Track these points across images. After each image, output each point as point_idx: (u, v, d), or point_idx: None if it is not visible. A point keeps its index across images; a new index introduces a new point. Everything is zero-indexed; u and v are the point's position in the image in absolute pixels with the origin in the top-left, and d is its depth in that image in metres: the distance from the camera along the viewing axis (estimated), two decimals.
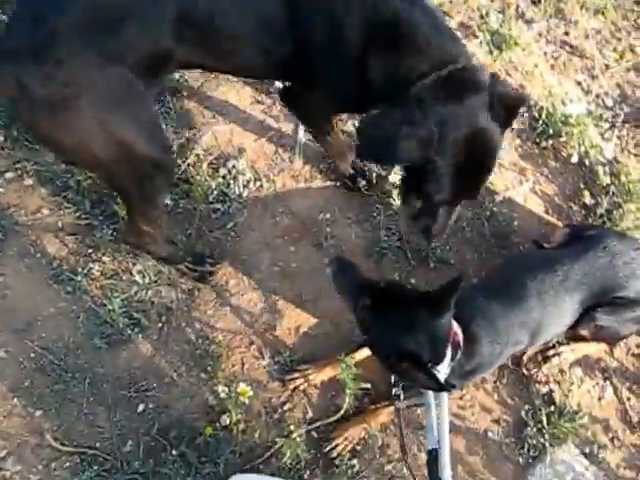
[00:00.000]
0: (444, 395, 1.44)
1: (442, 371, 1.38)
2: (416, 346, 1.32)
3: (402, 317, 1.35)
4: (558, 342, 1.81)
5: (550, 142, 2.07)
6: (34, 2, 1.28)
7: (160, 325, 1.76)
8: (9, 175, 1.92)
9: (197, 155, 1.93)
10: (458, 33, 2.15)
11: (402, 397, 1.51)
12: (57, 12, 1.23)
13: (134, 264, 1.80)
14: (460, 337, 1.42)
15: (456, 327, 1.42)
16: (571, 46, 2.31)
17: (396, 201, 1.83)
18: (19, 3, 1.32)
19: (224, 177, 1.91)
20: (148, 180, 1.46)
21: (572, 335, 1.78)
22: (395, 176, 1.82)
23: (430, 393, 1.47)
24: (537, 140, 2.09)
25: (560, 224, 1.95)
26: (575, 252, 1.68)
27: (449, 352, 1.38)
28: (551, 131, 2.07)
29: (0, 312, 1.75)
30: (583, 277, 1.63)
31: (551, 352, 1.82)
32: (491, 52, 2.23)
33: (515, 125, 2.08)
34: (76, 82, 1.24)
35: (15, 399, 1.67)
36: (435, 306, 1.33)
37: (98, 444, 1.65)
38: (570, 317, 1.67)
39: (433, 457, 1.40)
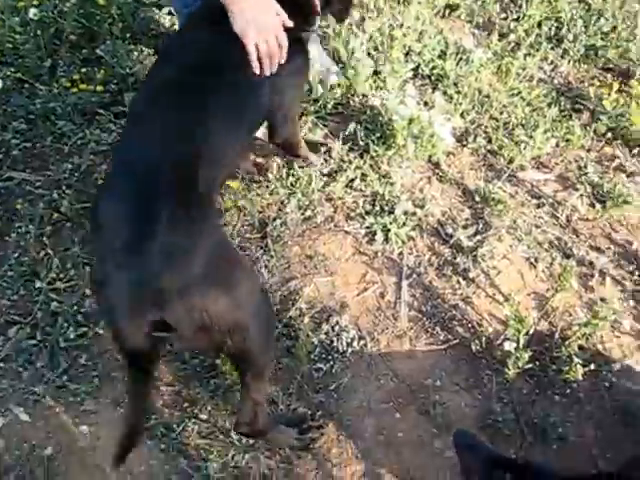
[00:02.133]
0: None
1: None
2: None
3: None
4: None
5: None
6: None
7: None
8: None
9: (299, 309, 1.95)
10: (557, 185, 2.18)
11: None
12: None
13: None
14: None
15: None
16: None
17: (511, 370, 1.74)
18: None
19: (327, 334, 1.91)
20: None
21: None
22: (510, 344, 1.73)
23: None
24: None
25: None
26: None
27: None
28: None
29: (89, 466, 1.71)
30: None
31: None
32: (593, 205, 2.25)
33: (628, 285, 2.06)
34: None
35: None
36: None
37: None
38: None
39: None
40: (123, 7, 2.87)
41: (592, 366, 1.81)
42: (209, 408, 1.78)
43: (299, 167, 2.21)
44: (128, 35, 2.77)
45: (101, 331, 1.93)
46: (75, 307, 1.94)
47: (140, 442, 1.57)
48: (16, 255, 2.07)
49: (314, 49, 2.44)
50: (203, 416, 1.77)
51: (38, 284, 1.98)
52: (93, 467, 1.71)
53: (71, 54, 2.73)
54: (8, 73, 2.62)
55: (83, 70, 2.60)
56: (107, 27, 2.81)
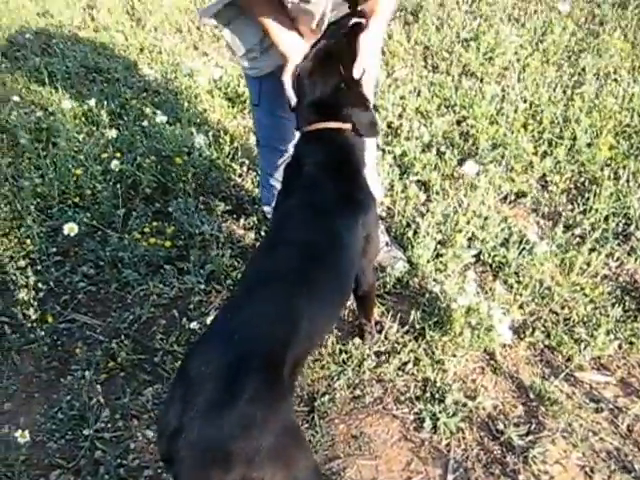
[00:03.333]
0: None
1: None
2: None
3: None
4: None
5: None
6: None
7: None
8: (148, 472, 2.25)
9: None
10: (618, 390, 2.41)
11: None
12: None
13: None
14: None
15: None
16: None
17: None
18: None
19: None
20: None
21: None
22: None
23: None
24: None
25: None
26: None
27: None
28: None
29: None
30: None
31: None
32: None
33: None
34: None
35: None
36: None
37: None
38: None
39: None
40: (198, 167, 3.49)
41: None
42: None
43: (352, 344, 2.55)
44: (199, 194, 3.35)
45: None
46: (118, 459, 2.26)
47: None
48: (68, 398, 2.44)
49: (385, 236, 2.97)
50: None
51: (86, 431, 2.32)
52: None
53: (144, 206, 3.33)
54: (84, 219, 3.19)
55: (154, 223, 3.15)
56: (181, 185, 3.41)
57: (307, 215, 2.08)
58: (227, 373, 1.65)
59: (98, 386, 2.46)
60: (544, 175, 3.46)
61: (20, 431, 2.22)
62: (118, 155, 3.51)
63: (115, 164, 3.36)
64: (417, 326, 2.63)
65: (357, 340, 2.56)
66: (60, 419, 2.39)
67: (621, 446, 2.34)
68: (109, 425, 2.37)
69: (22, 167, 3.55)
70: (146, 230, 3.10)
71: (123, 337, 2.64)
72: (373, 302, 2.56)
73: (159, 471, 2.28)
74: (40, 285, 2.81)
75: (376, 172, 2.96)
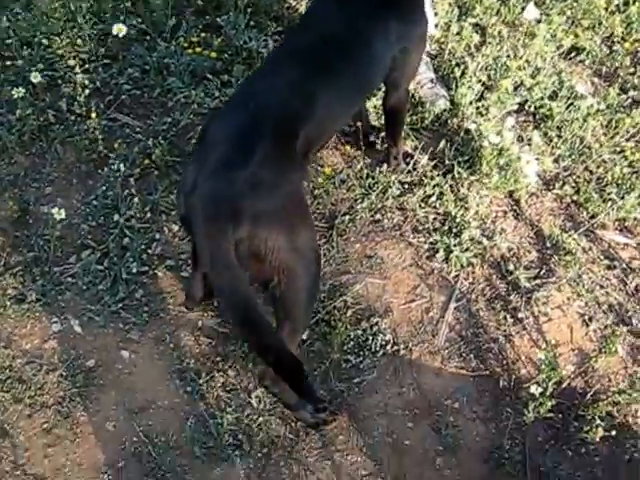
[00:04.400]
0: None
1: None
2: None
3: None
4: None
5: None
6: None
7: (260, 455, 2.06)
8: (170, 263, 2.41)
9: (345, 301, 2.32)
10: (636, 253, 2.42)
11: None
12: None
13: (255, 387, 2.15)
14: None
15: None
16: None
17: (530, 414, 2.03)
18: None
19: (364, 331, 2.27)
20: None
21: None
22: (537, 388, 2.00)
23: None
24: None
25: None
26: None
27: None
28: None
29: (122, 387, 2.16)
30: None
31: None
32: None
33: None
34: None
35: (106, 475, 2.01)
36: None
37: None
38: None
39: None
40: None
41: (613, 432, 2.03)
42: (238, 367, 2.18)
43: (379, 172, 2.57)
44: (251, 11, 3.27)
45: (160, 274, 2.39)
46: (143, 246, 2.41)
47: None
48: (104, 188, 2.56)
49: (431, 71, 2.89)
50: (231, 372, 2.18)
51: (116, 217, 2.46)
52: (124, 389, 2.15)
53: (195, 18, 3.23)
54: (134, 23, 3.17)
55: (203, 35, 3.09)
56: (234, 0, 3.33)
57: (339, 7, 2.08)
58: (240, 136, 1.74)
59: (132, 180, 2.57)
60: (611, 35, 3.23)
61: (57, 209, 2.37)
62: None
63: None
64: (447, 162, 2.64)
65: (385, 168, 2.57)
66: (94, 205, 2.53)
67: (624, 302, 2.40)
68: (139, 216, 2.49)
69: None
70: (194, 40, 3.06)
71: (160, 139, 2.70)
72: (401, 123, 2.55)
73: (180, 262, 2.43)
74: (87, 83, 2.85)
75: (432, 8, 2.84)
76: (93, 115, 2.70)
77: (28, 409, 2.10)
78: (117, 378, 2.18)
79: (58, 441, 2.06)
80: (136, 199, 2.49)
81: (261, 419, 2.10)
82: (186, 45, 3.03)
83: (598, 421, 2.06)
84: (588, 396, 2.18)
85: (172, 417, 2.11)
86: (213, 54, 2.99)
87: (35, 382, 2.13)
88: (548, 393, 2.06)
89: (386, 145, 2.60)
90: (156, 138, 2.71)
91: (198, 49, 3.00)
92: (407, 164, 2.62)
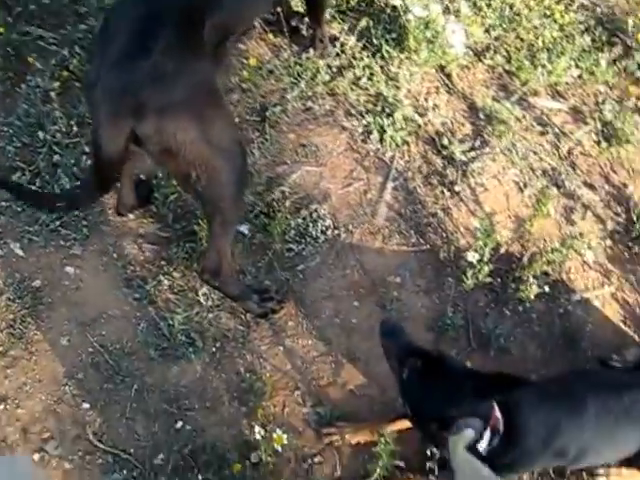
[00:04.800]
0: None
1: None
2: (459, 417, 1.60)
3: (450, 386, 1.66)
4: None
5: None
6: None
7: (213, 350, 2.13)
8: None
9: (283, 192, 2.33)
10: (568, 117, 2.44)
11: (436, 472, 1.73)
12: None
13: (201, 285, 2.18)
14: (501, 425, 1.66)
15: (498, 413, 1.66)
16: None
17: (469, 280, 2.11)
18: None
19: (304, 219, 2.29)
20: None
21: (628, 466, 1.94)
22: (473, 255, 2.06)
23: None
24: (629, 244, 2.36)
25: (637, 338, 2.14)
26: None
27: (487, 434, 1.63)
28: None
29: (71, 303, 2.17)
30: None
31: (600, 470, 1.99)
32: (598, 143, 2.54)
33: (609, 224, 2.37)
34: None
35: (67, 387, 2.06)
36: (483, 386, 1.64)
37: (132, 450, 2.00)
38: (627, 449, 1.84)
39: None
40: None
41: (547, 289, 2.15)
42: (182, 268, 2.20)
43: (307, 58, 2.51)
44: None
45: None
46: (74, 161, 2.35)
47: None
48: (25, 106, 2.46)
49: None
50: (176, 274, 2.20)
51: (42, 135, 2.38)
52: (73, 304, 2.16)
53: None
54: None
55: None
56: None
57: None
58: (141, 26, 1.67)
59: (53, 95, 2.46)
60: None
61: None
62: None
63: None
64: (375, 42, 2.58)
65: (312, 53, 2.51)
66: (17, 125, 2.43)
67: (557, 166, 2.45)
68: (65, 131, 2.40)
69: None
70: None
71: (77, 48, 2.58)
72: (323, 5, 2.46)
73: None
74: None
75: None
76: (1, 30, 2.57)
77: None
78: (65, 294, 2.19)
79: (15, 362, 2.08)
80: (59, 113, 2.39)
81: (211, 315, 2.15)
82: None
83: (532, 280, 2.15)
84: (524, 259, 2.26)
85: (124, 324, 2.15)
86: None
87: None
88: (485, 259, 2.14)
89: (311, 30, 2.53)
90: (72, 48, 2.59)
91: None
92: (334, 47, 2.55)
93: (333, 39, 2.57)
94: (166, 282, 2.18)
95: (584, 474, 1.99)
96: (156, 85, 1.63)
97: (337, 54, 2.55)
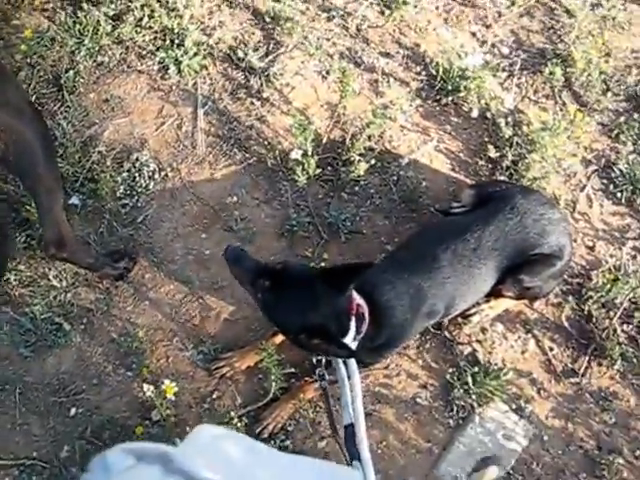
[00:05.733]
0: (355, 371, 1.73)
1: (349, 344, 1.69)
2: (322, 320, 1.65)
3: (303, 294, 1.68)
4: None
5: (450, 98, 2.46)
6: None
7: (82, 327, 2.11)
8: None
9: (100, 152, 2.27)
10: None
11: (327, 376, 1.81)
12: None
13: (50, 269, 2.14)
14: (365, 309, 1.74)
15: (358, 299, 1.74)
16: None
17: (301, 177, 2.16)
18: None
19: (129, 171, 2.26)
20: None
21: (495, 296, 2.07)
22: (297, 152, 2.11)
23: (342, 370, 1.76)
24: (437, 97, 2.47)
25: (468, 181, 2.30)
26: (484, 216, 1.97)
27: (353, 324, 1.70)
28: (450, 87, 2.45)
29: None
30: (495, 242, 1.92)
31: (471, 310, 2.12)
32: (382, 13, 2.60)
33: (414, 84, 2.48)
34: None
35: None
36: (334, 281, 1.66)
37: (35, 453, 1.97)
38: (487, 284, 1.97)
39: (350, 432, 1.68)
40: None
41: (376, 162, 2.25)
42: (26, 259, 2.13)
43: (84, 15, 2.40)
44: None
45: None
46: None
47: None
48: None
49: None
50: (22, 267, 2.13)
51: None
52: None
53: None
54: None
55: None
56: None
57: None
58: None
59: None
60: None
61: None
62: None
63: None
64: None
65: (88, 6, 2.40)
66: None
67: (351, 45, 2.51)
68: None
69: None
70: None
71: None
72: None
73: None
74: None
75: None
76: None
77: None
78: None
79: None
80: None
81: (69, 295, 2.12)
82: None
83: (359, 158, 2.23)
84: (347, 141, 2.32)
85: None
86: None
87: None
88: (310, 153, 2.18)
89: None
90: None
91: None
92: None
93: None
94: (13, 278, 2.11)
95: (458, 318, 2.12)
96: None
97: (111, 1, 2.44)
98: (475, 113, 2.42)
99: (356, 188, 2.30)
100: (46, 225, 1.94)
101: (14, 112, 1.72)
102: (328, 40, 2.50)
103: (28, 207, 2.12)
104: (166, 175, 2.28)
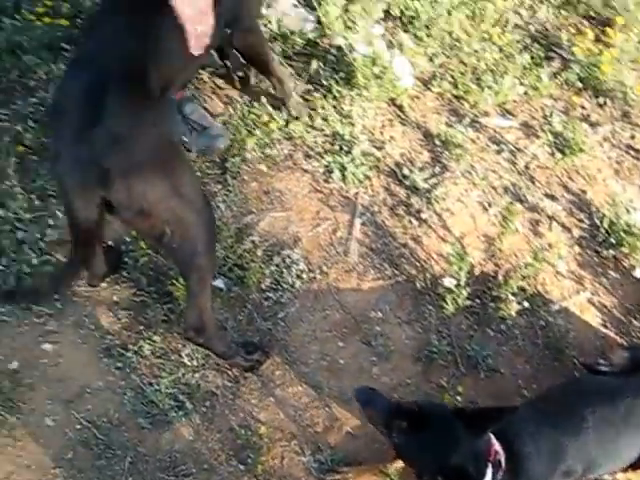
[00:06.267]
0: None
1: None
2: (461, 463, 1.61)
3: (442, 436, 1.64)
4: None
5: (611, 252, 2.41)
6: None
7: (204, 410, 2.10)
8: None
9: (253, 241, 2.34)
10: (520, 133, 2.51)
11: None
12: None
13: (184, 346, 2.16)
14: (502, 456, 1.69)
15: (497, 445, 1.69)
16: (637, 151, 2.68)
17: (449, 306, 2.12)
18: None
19: (278, 266, 2.30)
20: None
21: (633, 468, 1.95)
22: (450, 280, 2.09)
23: None
24: (598, 249, 2.43)
25: (619, 339, 2.23)
26: (638, 386, 1.90)
27: (490, 471, 1.64)
28: (613, 240, 2.41)
29: (51, 380, 2.13)
30: None
31: (605, 477, 2.01)
32: (553, 154, 2.62)
33: (575, 231, 2.44)
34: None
35: (57, 470, 2.01)
36: (473, 423, 1.62)
37: None
38: (631, 455, 1.88)
39: None
40: None
41: (526, 304, 2.20)
42: (162, 331, 2.18)
43: (260, 106, 2.54)
44: None
45: (63, 258, 2.32)
46: (39, 235, 2.31)
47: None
48: None
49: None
50: (157, 338, 2.17)
51: (3, 213, 2.34)
52: (55, 381, 2.12)
53: None
54: None
55: (48, 3, 2.90)
56: None
57: None
58: (87, 94, 1.66)
59: (10, 171, 2.43)
60: None
61: None
62: None
63: None
64: (325, 83, 2.63)
65: (264, 100, 2.54)
66: None
67: (517, 182, 2.52)
68: (26, 206, 2.36)
69: None
70: (40, 10, 2.89)
71: (30, 122, 2.56)
72: (264, 60, 2.43)
73: None
74: None
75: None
76: None
77: None
78: (45, 373, 2.14)
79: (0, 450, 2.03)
80: (19, 189, 2.36)
81: (197, 375, 2.13)
82: (33, 18, 2.87)
83: (511, 297, 2.20)
84: (499, 277, 2.30)
85: (109, 396, 2.11)
86: (64, 22, 2.83)
87: None
88: (462, 283, 2.18)
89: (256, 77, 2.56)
90: (25, 122, 2.56)
91: (47, 19, 2.83)
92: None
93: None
94: (147, 347, 2.15)
95: None
96: (116, 149, 1.63)
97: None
98: (637, 273, 2.34)
99: (502, 326, 2.25)
100: (190, 309, 1.99)
101: (186, 203, 1.77)
102: (494, 172, 2.53)
103: (174, 282, 2.18)
104: (314, 277, 2.30)
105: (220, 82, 2.66)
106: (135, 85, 1.73)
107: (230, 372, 2.14)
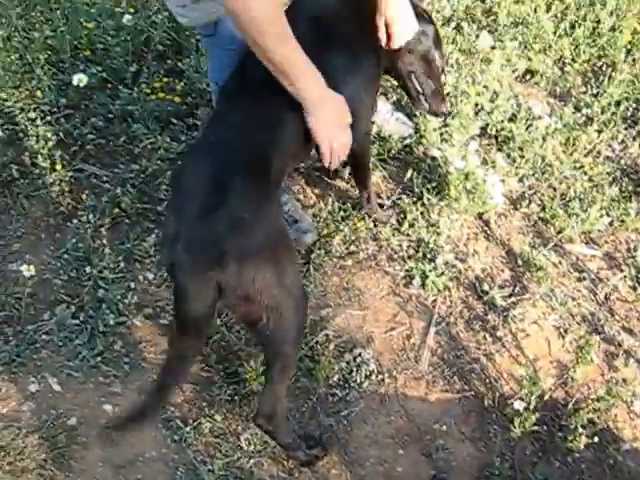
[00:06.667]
0: None
1: None
2: None
3: None
4: None
5: None
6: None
7: None
8: (148, 311, 2.41)
9: (327, 335, 2.36)
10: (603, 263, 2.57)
11: None
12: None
13: (244, 429, 2.16)
14: None
15: None
16: None
17: (516, 429, 2.09)
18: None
19: (348, 363, 2.31)
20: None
21: None
22: (520, 403, 2.06)
23: None
24: None
25: None
26: None
27: None
28: None
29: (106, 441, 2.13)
30: None
31: None
32: (634, 289, 2.61)
33: None
34: None
35: None
36: None
37: None
38: None
39: None
40: None
41: (596, 439, 2.12)
42: (224, 410, 2.19)
43: (350, 204, 2.65)
44: None
45: (138, 323, 2.40)
46: (119, 297, 2.41)
47: (151, 420, 2.01)
48: (74, 241, 2.56)
49: (388, 104, 2.96)
50: (218, 417, 2.18)
51: (88, 270, 2.46)
52: (110, 443, 2.13)
53: (156, 63, 3.29)
54: (95, 71, 3.20)
55: (165, 80, 3.16)
56: (194, 42, 3.40)
57: None
58: (212, 179, 1.76)
59: (103, 230, 2.57)
60: (561, 57, 3.39)
61: (26, 265, 2.34)
62: (131, 10, 3.48)
63: (128, 19, 3.29)
64: (416, 190, 2.73)
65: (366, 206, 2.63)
66: (65, 259, 2.52)
67: (596, 312, 2.51)
68: (112, 266, 2.48)
69: (33, 19, 3.55)
70: (156, 85, 3.11)
71: (129, 186, 2.74)
72: (365, 168, 2.54)
73: (158, 310, 2.44)
74: (49, 136, 2.83)
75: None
76: (58, 167, 2.71)
77: (8, 476, 2.05)
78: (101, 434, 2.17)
79: None
80: (108, 249, 2.48)
81: (252, 461, 2.11)
82: (149, 91, 3.07)
83: (581, 429, 2.14)
84: (570, 406, 2.25)
85: (161, 468, 2.10)
86: (177, 98, 3.04)
87: (14, 447, 2.08)
88: (532, 407, 2.13)
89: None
90: (124, 186, 2.74)
91: (161, 94, 3.06)
92: (382, 207, 2.66)
93: (381, 205, 2.67)
94: (207, 425, 2.16)
95: None
96: (235, 233, 1.70)
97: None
98: None
99: (568, 458, 2.18)
100: (266, 396, 2.00)
101: (287, 293, 1.82)
102: (574, 299, 2.52)
103: (244, 363, 2.22)
104: (382, 379, 2.30)
105: (314, 174, 2.80)
106: (257, 174, 1.84)
107: (286, 463, 2.12)
